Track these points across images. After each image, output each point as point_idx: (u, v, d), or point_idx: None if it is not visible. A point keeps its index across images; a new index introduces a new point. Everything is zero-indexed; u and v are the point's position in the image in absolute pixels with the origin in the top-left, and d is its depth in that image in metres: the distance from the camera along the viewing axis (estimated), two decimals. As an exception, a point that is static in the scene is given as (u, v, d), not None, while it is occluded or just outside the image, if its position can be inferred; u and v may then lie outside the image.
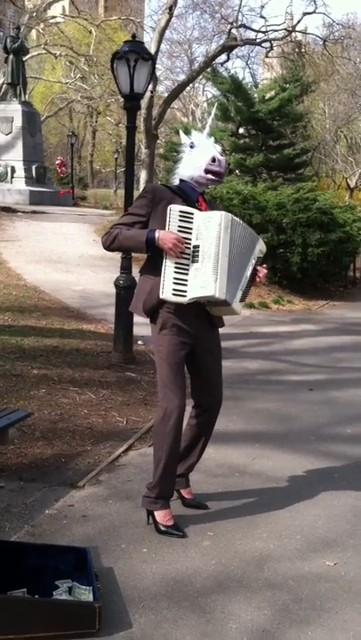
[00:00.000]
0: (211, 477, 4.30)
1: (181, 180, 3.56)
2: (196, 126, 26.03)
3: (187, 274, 3.36)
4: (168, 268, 3.36)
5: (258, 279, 3.61)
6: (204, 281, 3.33)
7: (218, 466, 4.51)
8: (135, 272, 7.09)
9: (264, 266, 3.63)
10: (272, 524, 3.70)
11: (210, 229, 3.34)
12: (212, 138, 3.73)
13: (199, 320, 3.51)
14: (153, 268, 3.47)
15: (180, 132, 3.81)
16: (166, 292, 3.36)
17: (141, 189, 3.80)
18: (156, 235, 3.34)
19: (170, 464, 3.51)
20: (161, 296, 3.37)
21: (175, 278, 3.36)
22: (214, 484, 4.21)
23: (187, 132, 3.65)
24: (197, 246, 3.36)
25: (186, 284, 3.36)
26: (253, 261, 3.55)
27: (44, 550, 3.10)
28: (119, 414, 5.49)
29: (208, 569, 3.21)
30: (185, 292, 3.36)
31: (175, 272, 3.36)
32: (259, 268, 3.59)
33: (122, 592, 2.97)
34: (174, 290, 3.35)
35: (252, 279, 3.56)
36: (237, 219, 3.47)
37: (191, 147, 3.51)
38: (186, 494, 3.86)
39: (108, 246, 3.56)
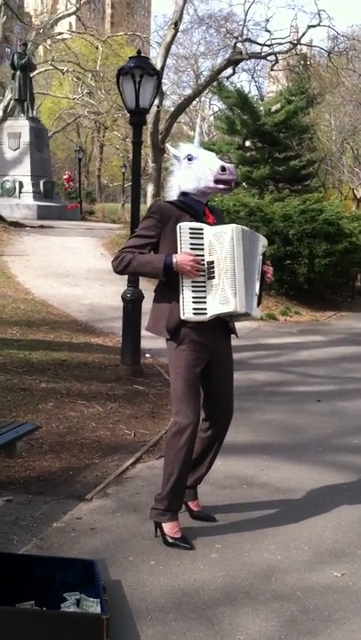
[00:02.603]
0: (218, 489, 4.30)
1: (183, 194, 3.53)
2: (203, 139, 26.10)
3: (204, 291, 3.37)
4: (186, 287, 3.36)
5: (267, 279, 3.63)
6: (223, 297, 3.34)
7: (226, 477, 4.51)
8: (142, 285, 7.17)
9: (268, 263, 3.65)
10: (280, 535, 3.70)
11: (223, 244, 3.34)
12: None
13: (216, 332, 3.52)
14: (168, 287, 3.45)
15: (168, 146, 3.78)
16: (187, 312, 3.36)
17: (148, 207, 3.77)
18: (174, 260, 3.33)
19: (180, 478, 3.51)
20: (182, 317, 3.37)
21: (194, 297, 3.36)
22: (222, 495, 4.22)
23: (175, 146, 3.64)
24: (212, 262, 3.36)
25: (205, 302, 3.36)
26: (260, 262, 3.56)
27: (52, 563, 3.11)
28: (127, 427, 5.50)
29: (216, 581, 3.21)
30: (205, 309, 3.36)
31: (193, 291, 3.36)
32: (265, 268, 3.61)
33: (130, 604, 2.98)
34: (195, 309, 3.36)
35: (262, 280, 3.58)
36: (245, 227, 3.48)
37: (190, 159, 3.47)
38: (194, 507, 3.86)
39: (121, 271, 3.54)
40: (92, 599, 2.86)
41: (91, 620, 2.68)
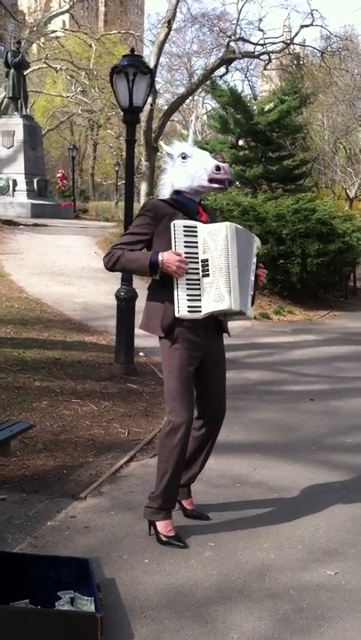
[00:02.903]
0: (212, 488, 4.31)
1: (176, 192, 3.52)
2: (197, 138, 26.13)
3: (199, 289, 3.37)
4: (180, 285, 3.35)
5: (260, 282, 3.63)
6: (217, 295, 3.34)
7: (219, 476, 4.52)
8: (136, 284, 7.17)
9: (261, 266, 3.66)
10: (273, 533, 3.71)
11: (217, 242, 3.35)
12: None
13: (209, 330, 3.53)
14: (162, 285, 3.45)
15: (162, 144, 3.78)
16: (182, 310, 3.36)
17: (141, 205, 3.77)
18: (160, 258, 3.33)
19: (174, 477, 3.52)
20: (177, 315, 3.36)
21: (188, 295, 3.35)
22: (215, 494, 4.22)
23: (168, 144, 3.64)
24: (206, 260, 3.36)
25: (199, 299, 3.36)
26: (254, 262, 3.57)
27: (47, 561, 3.11)
28: (121, 426, 5.51)
29: (209, 579, 3.22)
30: (199, 307, 3.36)
31: (187, 288, 3.35)
32: (259, 272, 3.62)
33: (124, 602, 2.98)
34: (189, 307, 3.35)
35: (255, 280, 3.59)
36: (239, 226, 3.48)
37: (184, 157, 3.46)
38: (187, 505, 3.86)
39: (111, 268, 3.54)
40: (86, 597, 2.86)
41: (85, 619, 2.68)
